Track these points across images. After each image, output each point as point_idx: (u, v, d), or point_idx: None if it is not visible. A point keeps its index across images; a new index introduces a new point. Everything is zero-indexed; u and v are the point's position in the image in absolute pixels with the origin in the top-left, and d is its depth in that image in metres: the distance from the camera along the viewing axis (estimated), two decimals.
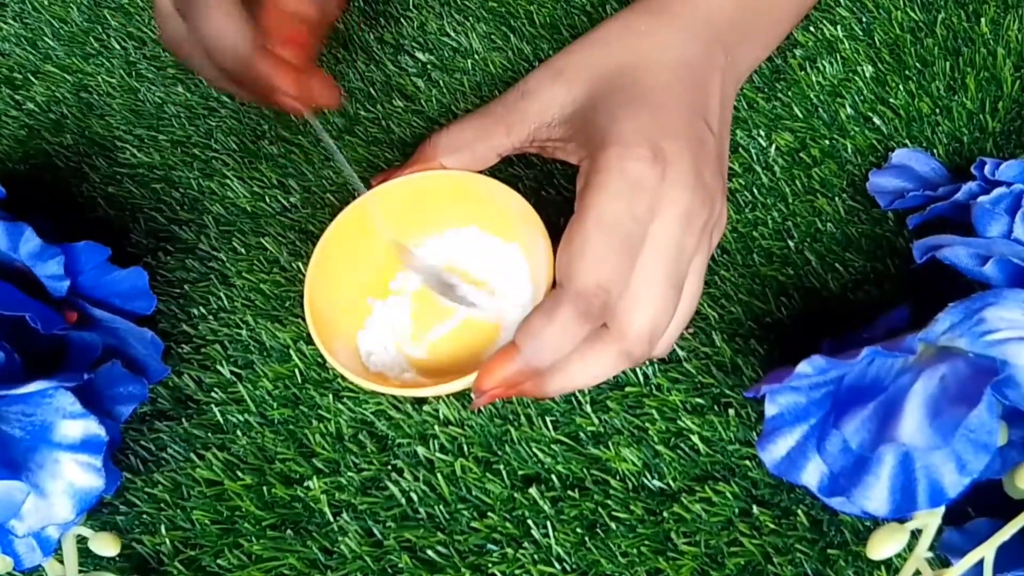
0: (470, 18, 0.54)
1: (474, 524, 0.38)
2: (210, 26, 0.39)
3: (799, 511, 0.37)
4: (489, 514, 0.38)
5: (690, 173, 0.36)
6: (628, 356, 0.35)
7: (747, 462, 0.39)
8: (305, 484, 0.40)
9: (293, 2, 0.42)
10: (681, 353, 0.41)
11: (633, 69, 0.40)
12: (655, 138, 0.36)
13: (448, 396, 0.41)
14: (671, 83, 0.39)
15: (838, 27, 0.50)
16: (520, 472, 0.39)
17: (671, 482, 0.38)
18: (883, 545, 0.33)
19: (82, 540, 0.38)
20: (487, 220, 0.43)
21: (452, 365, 0.41)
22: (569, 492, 0.39)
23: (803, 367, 0.33)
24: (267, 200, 0.48)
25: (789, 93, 0.48)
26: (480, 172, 0.42)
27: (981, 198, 0.38)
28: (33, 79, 0.55)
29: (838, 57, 0.49)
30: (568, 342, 0.35)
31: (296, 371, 0.43)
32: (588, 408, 0.40)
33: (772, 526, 0.37)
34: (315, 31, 0.43)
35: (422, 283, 0.43)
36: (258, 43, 0.39)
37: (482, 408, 0.41)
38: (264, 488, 0.40)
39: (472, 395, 0.36)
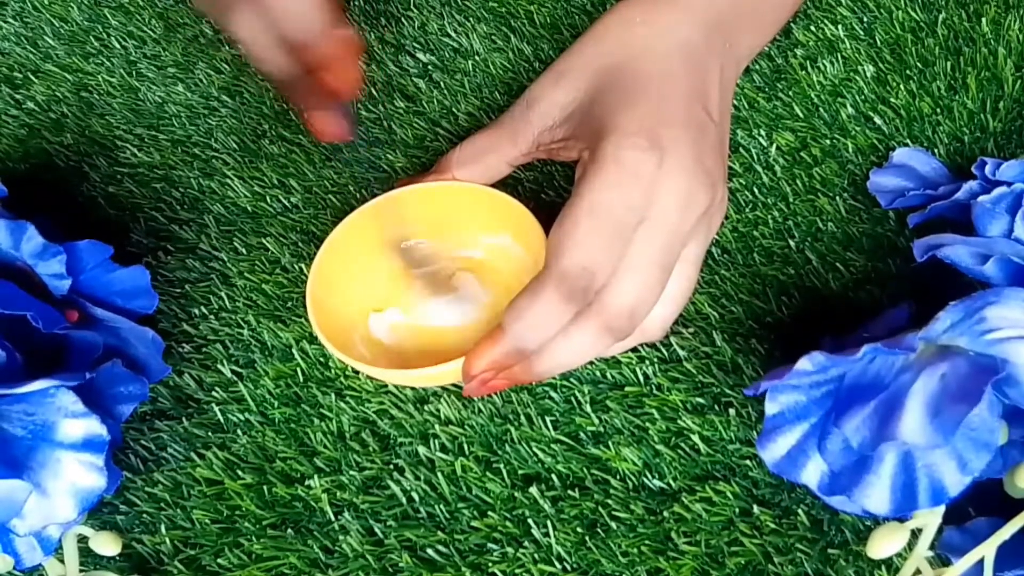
0: (471, 18, 0.54)
1: (474, 523, 0.38)
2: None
3: (800, 510, 0.37)
4: (489, 513, 0.38)
5: (689, 158, 0.36)
6: (609, 331, 0.35)
7: (748, 462, 0.39)
8: (306, 483, 0.40)
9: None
10: (681, 353, 0.41)
11: (631, 60, 0.40)
12: (652, 126, 0.36)
13: (450, 396, 0.41)
14: (669, 71, 0.39)
15: (839, 27, 0.50)
16: (520, 471, 0.39)
17: (671, 482, 0.38)
18: (883, 544, 0.33)
19: (83, 539, 0.38)
20: (489, 224, 0.43)
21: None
22: (569, 491, 0.39)
23: (803, 363, 0.33)
24: (268, 200, 0.48)
25: (790, 93, 0.48)
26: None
27: (982, 197, 0.38)
28: (33, 78, 0.55)
29: (839, 57, 0.49)
30: (552, 322, 0.35)
31: (298, 370, 0.43)
32: (588, 408, 0.40)
33: (773, 526, 0.37)
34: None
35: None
36: (331, 17, 0.41)
37: (481, 408, 0.41)
38: (265, 487, 0.40)
39: (463, 382, 0.36)
